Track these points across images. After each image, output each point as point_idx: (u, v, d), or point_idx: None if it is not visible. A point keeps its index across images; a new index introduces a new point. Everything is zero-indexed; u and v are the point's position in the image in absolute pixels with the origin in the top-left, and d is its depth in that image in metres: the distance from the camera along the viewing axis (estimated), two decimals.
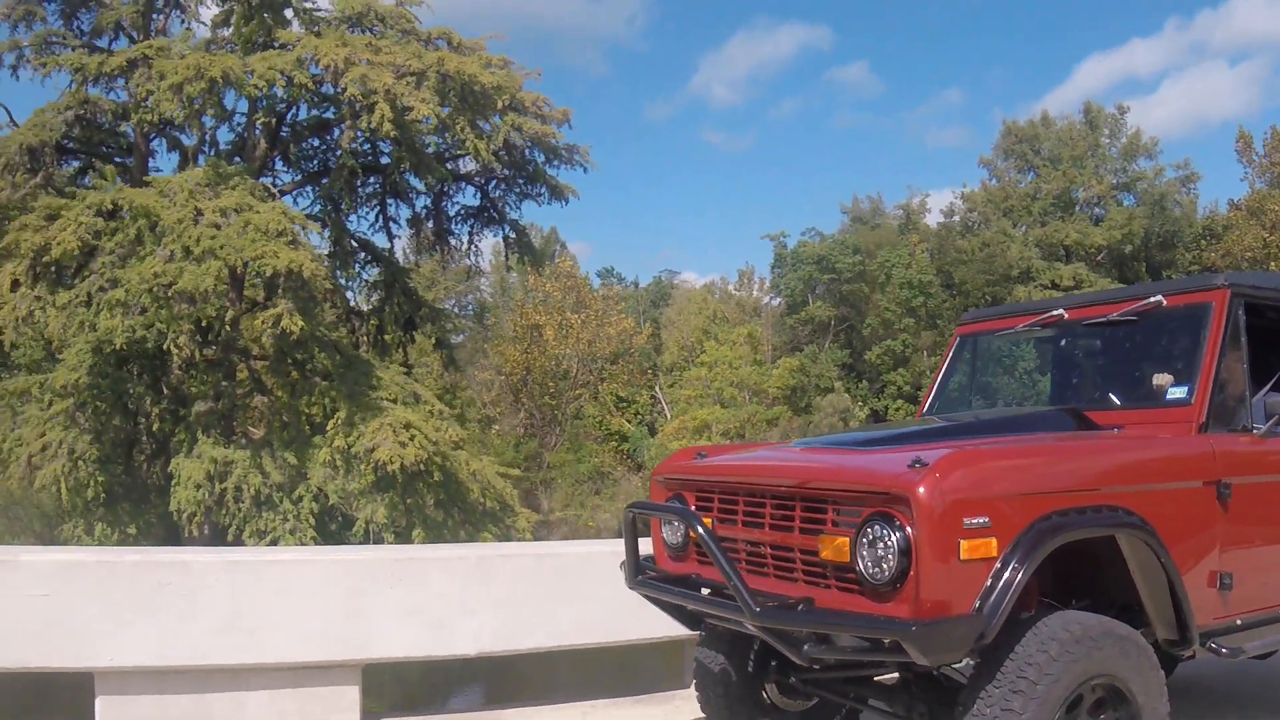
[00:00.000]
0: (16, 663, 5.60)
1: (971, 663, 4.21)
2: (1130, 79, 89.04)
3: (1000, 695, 3.87)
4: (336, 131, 20.34)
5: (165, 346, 16.77)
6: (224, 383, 18.63)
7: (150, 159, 21.29)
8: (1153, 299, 5.41)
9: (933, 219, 47.18)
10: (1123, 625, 4.22)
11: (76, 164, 20.50)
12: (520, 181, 22.97)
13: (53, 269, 16.51)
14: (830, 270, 41.90)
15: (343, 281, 21.78)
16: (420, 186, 22.34)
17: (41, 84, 19.17)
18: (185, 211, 16.42)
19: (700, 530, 4.30)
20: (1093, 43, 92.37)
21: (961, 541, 3.80)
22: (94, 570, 5.71)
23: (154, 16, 20.24)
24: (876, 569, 3.86)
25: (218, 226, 16.34)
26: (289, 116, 20.72)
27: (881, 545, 3.85)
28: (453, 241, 23.63)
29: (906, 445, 4.47)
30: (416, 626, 6.13)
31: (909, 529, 3.78)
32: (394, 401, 18.59)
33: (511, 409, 38.22)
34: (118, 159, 21.51)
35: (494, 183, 23.13)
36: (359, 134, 19.24)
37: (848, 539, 3.97)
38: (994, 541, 3.87)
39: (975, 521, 3.83)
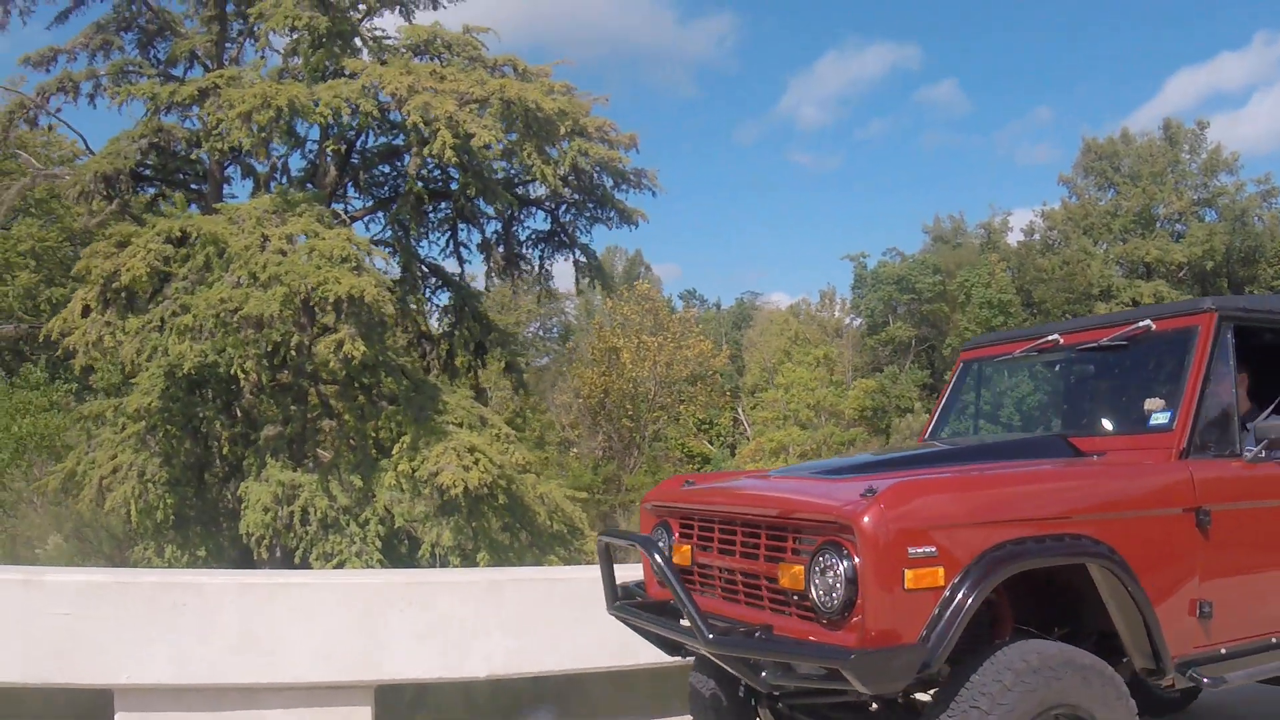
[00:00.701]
0: (39, 678, 5.93)
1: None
2: (1219, 93, 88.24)
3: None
4: (406, 158, 20.84)
5: (232, 371, 17.30)
6: (294, 407, 19.14)
7: (226, 185, 22.00)
8: (1141, 323, 5.44)
9: (1015, 238, 47.11)
10: (1086, 655, 4.24)
11: (153, 191, 21.25)
12: (590, 206, 23.28)
13: (123, 295, 17.16)
14: (910, 290, 41.83)
15: (413, 306, 22.21)
16: (490, 212, 22.76)
17: (119, 113, 19.91)
18: (252, 238, 16.98)
19: (656, 558, 4.47)
20: (1181, 57, 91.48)
21: (906, 571, 3.88)
22: (114, 590, 6.03)
23: (227, 46, 20.98)
24: (827, 597, 3.98)
25: (283, 253, 16.86)
26: (359, 143, 21.29)
27: (831, 574, 3.97)
28: (524, 266, 24.02)
29: (871, 474, 4.56)
30: (428, 649, 6.36)
31: (856, 558, 3.89)
32: (460, 425, 18.94)
33: (590, 431, 38.60)
34: (194, 185, 22.27)
35: (564, 207, 23.49)
36: (428, 161, 19.68)
37: (803, 567, 4.11)
38: (941, 571, 3.93)
39: (921, 551, 3.90)
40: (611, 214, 23.11)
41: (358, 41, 20.79)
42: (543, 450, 36.18)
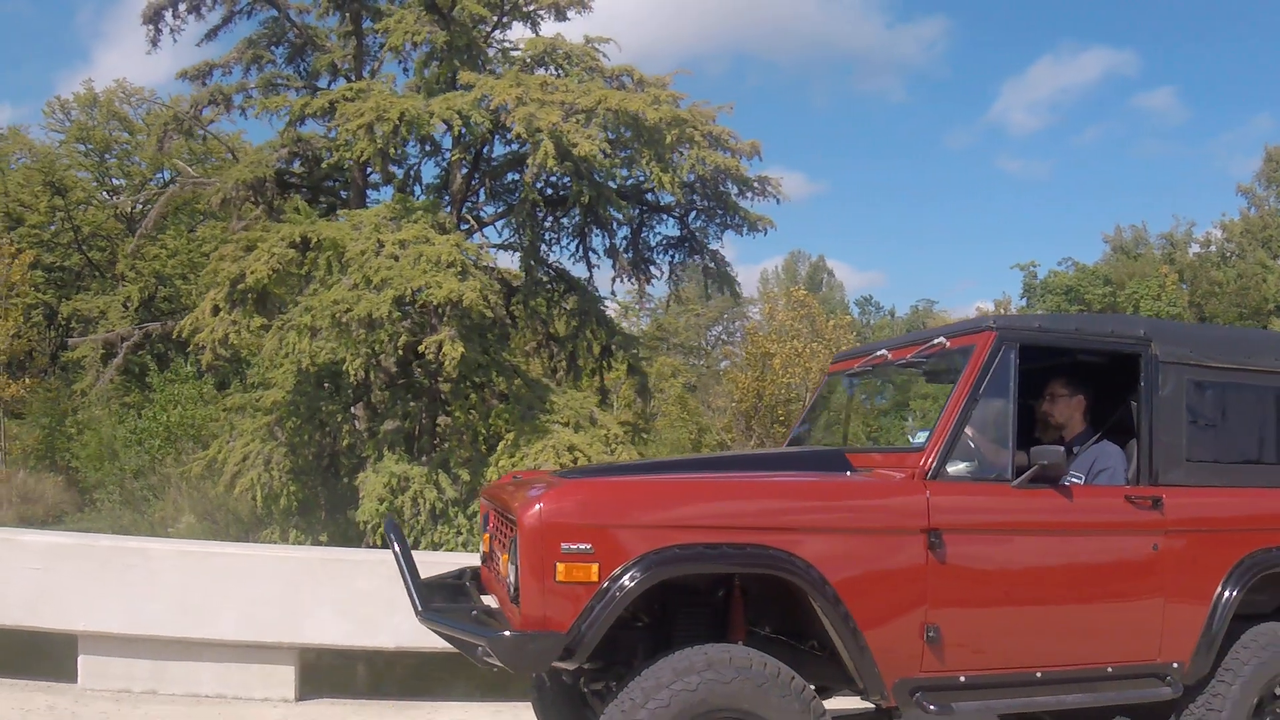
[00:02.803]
0: (14, 621, 7.24)
1: None
2: None
3: (612, 712, 4.35)
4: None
5: (346, 369, 18.80)
6: (413, 403, 20.62)
7: (374, 191, 23.72)
8: (936, 341, 5.57)
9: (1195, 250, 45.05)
10: (772, 664, 4.47)
11: (299, 197, 23.03)
12: (720, 212, 24.04)
13: (250, 295, 18.89)
14: (1080, 301, 40.69)
15: (539, 310, 23.38)
16: (620, 218, 23.72)
17: (269, 124, 21.82)
18: (368, 244, 18.46)
19: (394, 546, 5.14)
20: None
21: (558, 564, 4.32)
22: (75, 550, 7.28)
23: (369, 60, 22.69)
24: (511, 584, 4.56)
25: (395, 258, 18.27)
26: (484, 152, 22.61)
27: (512, 563, 4.55)
28: (653, 271, 24.93)
29: (602, 477, 5.03)
30: (343, 619, 7.35)
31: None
32: (566, 425, 19.99)
33: (744, 435, 39.14)
34: (343, 193, 24.06)
35: (693, 214, 24.31)
36: (552, 169, 20.71)
37: (507, 556, 4.71)
38: (596, 567, 4.34)
39: (575, 547, 4.33)
40: (740, 221, 23.82)
41: (490, 53, 22.23)
42: (697, 452, 37.04)
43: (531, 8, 22.24)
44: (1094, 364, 5.95)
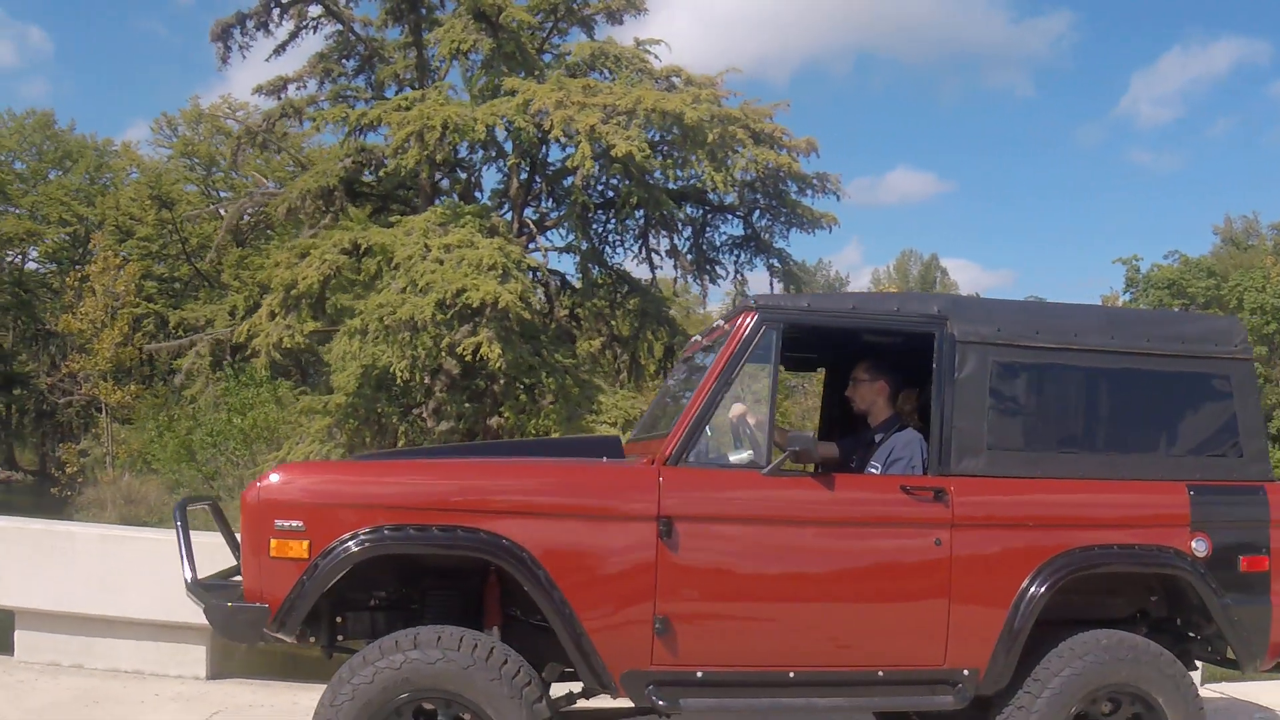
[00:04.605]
0: None
1: None
2: None
3: (326, 689, 4.54)
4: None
5: (391, 370, 19.50)
6: (466, 404, 21.28)
7: (445, 196, 24.49)
8: (717, 324, 5.53)
9: None
10: (484, 647, 4.49)
11: (364, 205, 23.95)
12: (784, 211, 24.20)
13: (303, 301, 19.78)
14: (1183, 295, 39.36)
15: (592, 311, 23.87)
16: (680, 219, 24.06)
17: (337, 135, 22.72)
18: (415, 249, 19.20)
19: (178, 523, 5.26)
20: None
21: (272, 540, 4.52)
22: (11, 533, 8.04)
23: (435, 69, 23.48)
24: None
25: (440, 262, 18.95)
26: (542, 156, 23.21)
27: None
28: (719, 270, 25.21)
29: (391, 460, 5.39)
30: None
31: None
32: (613, 425, 20.40)
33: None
34: (415, 200, 24.90)
35: (757, 213, 24.52)
36: (591, 170, 21.13)
37: None
38: (307, 544, 4.51)
39: (287, 525, 4.52)
40: (803, 219, 23.95)
41: (546, 59, 22.84)
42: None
43: (585, 13, 22.75)
44: (906, 347, 5.56)
